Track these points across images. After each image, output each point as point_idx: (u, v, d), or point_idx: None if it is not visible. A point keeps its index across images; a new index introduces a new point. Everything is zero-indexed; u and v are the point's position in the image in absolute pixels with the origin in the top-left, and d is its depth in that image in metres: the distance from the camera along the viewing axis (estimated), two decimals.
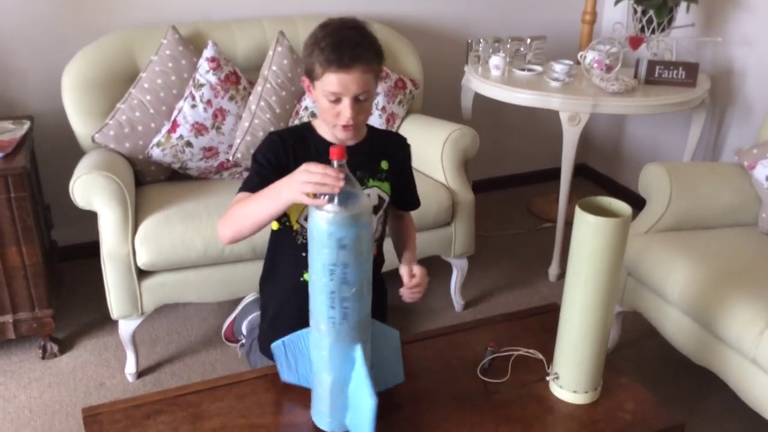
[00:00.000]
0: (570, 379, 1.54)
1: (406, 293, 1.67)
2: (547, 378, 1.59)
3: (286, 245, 1.72)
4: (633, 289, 2.26)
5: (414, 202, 1.89)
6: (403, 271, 1.67)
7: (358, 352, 1.36)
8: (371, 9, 3.09)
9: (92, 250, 2.81)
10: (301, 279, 1.70)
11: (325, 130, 1.67)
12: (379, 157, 1.73)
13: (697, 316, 1.99)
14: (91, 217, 2.23)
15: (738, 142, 2.96)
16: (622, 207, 1.46)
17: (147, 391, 2.20)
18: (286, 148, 1.64)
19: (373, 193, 1.72)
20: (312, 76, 1.57)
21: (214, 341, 2.51)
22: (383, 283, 1.88)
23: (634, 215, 2.31)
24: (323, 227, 1.26)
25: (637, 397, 1.59)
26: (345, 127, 1.58)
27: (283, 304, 1.77)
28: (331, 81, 1.52)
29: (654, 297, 2.18)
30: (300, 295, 1.63)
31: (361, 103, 1.57)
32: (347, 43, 1.51)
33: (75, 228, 2.83)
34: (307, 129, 1.70)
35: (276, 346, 1.51)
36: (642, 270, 2.18)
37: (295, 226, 1.69)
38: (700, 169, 2.46)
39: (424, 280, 1.68)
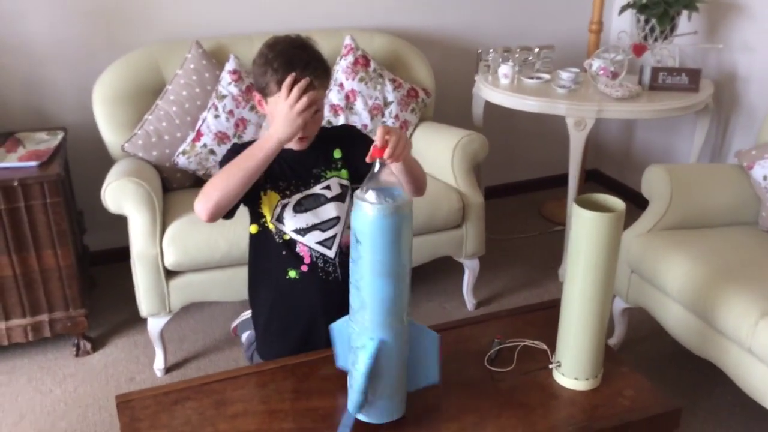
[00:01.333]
0: (571, 367, 1.64)
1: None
2: (550, 366, 1.69)
3: (268, 246, 1.78)
4: (637, 285, 2.35)
5: (366, 138, 1.84)
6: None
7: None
8: (385, 22, 3.21)
9: (121, 255, 2.95)
10: (287, 277, 1.77)
11: None
12: (330, 148, 1.79)
13: (696, 309, 2.08)
14: (120, 224, 2.35)
15: (742, 145, 3.04)
16: (617, 203, 1.56)
17: None
18: (241, 149, 1.68)
19: (333, 184, 1.78)
20: (265, 93, 1.66)
21: (238, 339, 2.63)
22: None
23: (639, 215, 2.41)
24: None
25: (635, 385, 1.67)
26: (301, 139, 1.68)
27: (272, 304, 1.84)
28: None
29: (656, 293, 2.27)
30: (288, 292, 1.76)
31: (314, 116, 1.65)
32: (298, 63, 1.60)
33: (105, 234, 2.97)
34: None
35: (331, 328, 1.59)
36: (645, 267, 2.27)
37: (271, 227, 1.76)
38: (700, 170, 2.55)
39: (397, 139, 1.47)
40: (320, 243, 1.78)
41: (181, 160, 2.58)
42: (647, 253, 2.27)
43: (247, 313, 2.14)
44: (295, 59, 1.61)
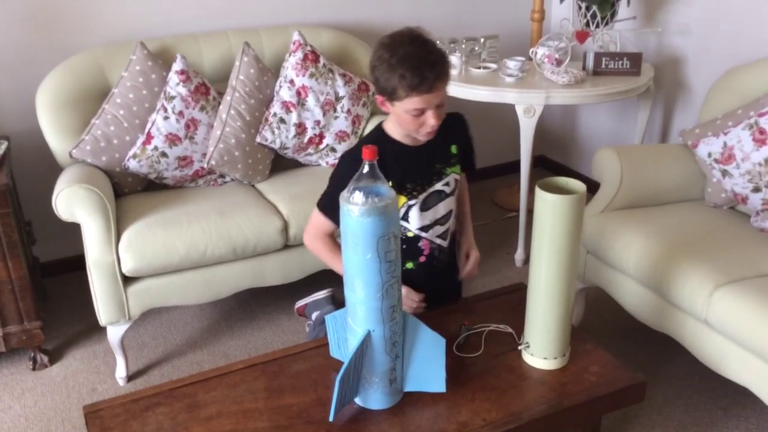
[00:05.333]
0: (540, 347, 1.68)
1: (463, 274, 1.96)
2: (519, 347, 1.72)
3: None
4: (592, 265, 2.41)
5: (474, 168, 2.00)
6: (462, 254, 1.97)
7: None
8: (331, 17, 3.21)
9: (72, 264, 2.91)
10: (404, 268, 1.86)
11: (397, 133, 1.79)
12: (448, 144, 1.87)
13: (652, 285, 2.15)
14: (69, 233, 2.30)
15: (682, 124, 3.14)
16: (578, 185, 1.60)
17: None
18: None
19: (451, 180, 1.88)
20: (392, 97, 1.67)
21: (200, 342, 2.60)
22: (458, 273, 2.02)
23: (590, 198, 2.47)
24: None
25: (601, 361, 1.73)
26: (429, 132, 1.72)
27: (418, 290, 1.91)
28: (415, 102, 1.64)
29: (612, 271, 2.33)
30: (404, 280, 1.79)
31: (440, 108, 1.70)
32: (426, 66, 1.61)
33: (55, 244, 2.90)
34: (381, 136, 1.81)
35: (327, 319, 1.66)
36: (599, 247, 2.33)
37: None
38: (647, 150, 2.63)
39: (475, 268, 1.97)
40: (439, 236, 1.89)
41: (132, 164, 2.53)
42: (601, 233, 2.33)
43: (319, 294, 2.35)
44: (422, 64, 1.61)
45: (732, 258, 2.08)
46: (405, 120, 1.70)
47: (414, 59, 1.61)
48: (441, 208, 1.86)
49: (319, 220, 1.84)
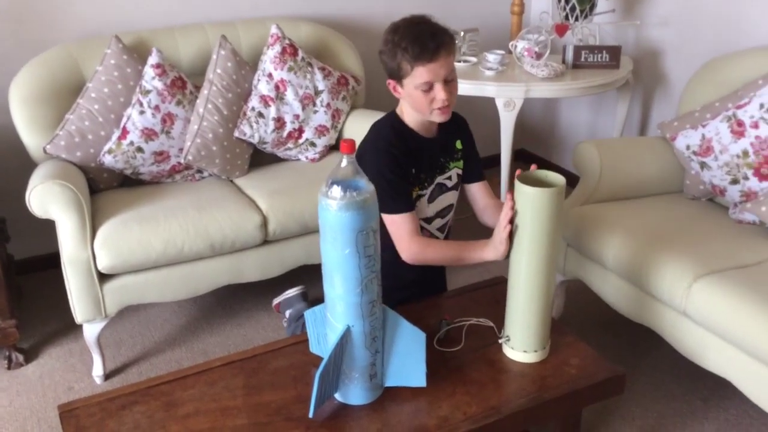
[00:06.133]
0: (520, 340, 1.67)
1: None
2: (500, 341, 1.72)
3: None
4: (573, 258, 2.41)
5: (481, 172, 1.99)
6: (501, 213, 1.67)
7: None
8: (310, 10, 3.18)
9: (46, 262, 2.87)
10: (401, 261, 1.82)
11: (411, 119, 1.80)
12: (453, 139, 1.89)
13: (632, 277, 2.15)
14: (44, 231, 2.26)
15: (661, 117, 3.15)
16: (557, 178, 1.60)
17: None
18: (399, 155, 1.76)
19: (453, 174, 1.90)
20: (399, 76, 1.71)
21: (178, 340, 2.58)
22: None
23: (570, 191, 2.47)
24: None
25: (581, 354, 1.73)
26: (441, 109, 1.72)
27: (408, 284, 1.90)
28: (421, 73, 1.66)
29: (592, 264, 2.33)
30: (402, 273, 1.84)
31: (450, 84, 1.71)
32: (426, 36, 1.65)
33: (29, 242, 2.85)
34: (400, 126, 1.82)
35: (307, 314, 1.64)
36: (579, 240, 2.33)
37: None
38: (626, 143, 2.63)
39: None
40: (438, 229, 1.92)
41: (107, 160, 2.49)
42: (581, 226, 2.33)
43: (290, 292, 2.33)
44: (421, 34, 1.66)
45: (710, 250, 2.09)
46: (417, 100, 1.72)
47: (415, 33, 1.67)
48: (443, 201, 1.90)
49: (404, 223, 1.77)
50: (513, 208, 1.58)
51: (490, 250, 1.67)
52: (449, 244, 1.83)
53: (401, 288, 1.89)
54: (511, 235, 1.61)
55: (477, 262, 1.74)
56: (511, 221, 1.59)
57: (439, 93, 1.69)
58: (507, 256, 1.64)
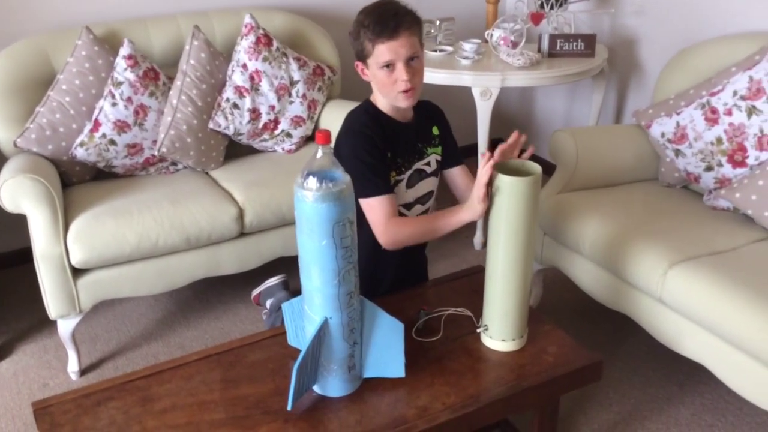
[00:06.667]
0: (499, 329, 1.67)
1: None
2: (478, 330, 1.72)
3: None
4: (549, 247, 2.42)
5: (459, 157, 1.97)
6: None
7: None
8: (282, 0, 3.15)
9: (19, 258, 2.83)
10: (381, 249, 1.81)
11: (384, 105, 1.80)
12: (429, 124, 1.89)
13: (608, 265, 2.17)
14: (16, 225, 2.22)
15: (636, 105, 3.17)
16: (534, 167, 1.60)
17: None
18: (374, 137, 1.75)
19: (432, 160, 1.89)
20: (363, 56, 1.73)
21: (154, 334, 2.55)
22: (425, 247, 2.05)
23: (547, 180, 2.48)
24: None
25: (558, 342, 1.73)
26: (405, 92, 1.72)
27: (362, 276, 1.85)
28: (382, 51, 1.68)
29: (569, 252, 2.34)
30: (383, 260, 1.84)
31: (414, 66, 1.71)
32: (388, 16, 1.67)
33: (1, 237, 2.81)
34: (375, 111, 1.82)
35: (284, 307, 1.63)
36: (556, 228, 2.34)
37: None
38: (602, 131, 2.64)
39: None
40: (419, 216, 1.89)
41: (80, 153, 2.45)
42: (558, 214, 2.34)
43: (271, 281, 2.33)
44: (384, 13, 1.68)
45: (686, 236, 2.11)
46: (381, 81, 1.73)
47: (379, 12, 1.69)
48: (422, 187, 1.89)
49: (382, 206, 1.74)
50: (492, 167, 1.56)
51: (466, 212, 1.66)
52: (423, 218, 1.85)
53: (383, 279, 1.90)
54: (490, 196, 1.59)
55: (455, 227, 1.72)
56: (490, 183, 1.57)
57: (401, 73, 1.69)
58: (486, 215, 1.62)
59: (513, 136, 1.68)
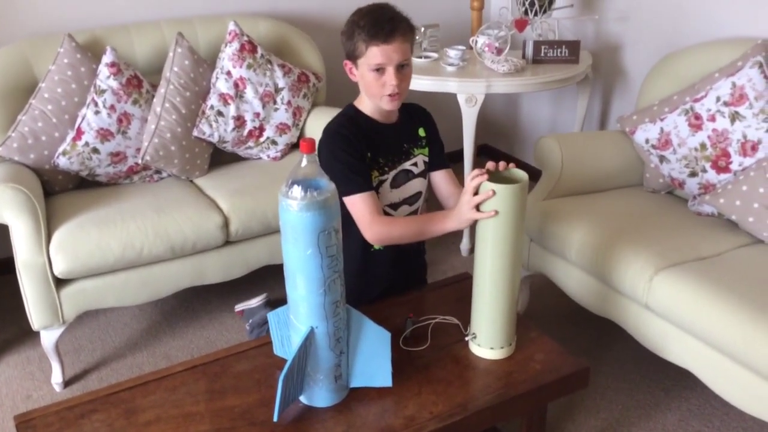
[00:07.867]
0: (487, 337, 1.66)
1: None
2: (466, 338, 1.71)
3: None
4: (536, 253, 2.43)
5: (444, 160, 1.97)
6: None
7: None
8: (268, 6, 3.13)
9: (2, 267, 2.78)
10: (372, 249, 1.86)
11: (368, 107, 1.81)
12: (416, 126, 1.90)
13: (594, 271, 2.17)
14: None
15: (620, 111, 3.18)
16: (521, 174, 1.59)
17: None
18: (350, 136, 1.76)
19: (419, 161, 1.89)
20: (354, 56, 1.73)
21: (139, 344, 2.52)
22: (424, 253, 2.05)
23: (532, 186, 2.48)
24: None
25: (546, 349, 1.73)
26: (392, 96, 1.73)
27: (357, 275, 1.85)
28: (374, 54, 1.68)
29: (555, 258, 2.34)
30: (371, 262, 1.85)
31: (403, 72, 1.72)
32: (384, 20, 1.68)
33: None
34: (355, 113, 1.83)
35: (270, 316, 1.62)
36: (542, 234, 2.34)
37: None
38: (587, 138, 2.66)
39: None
40: (407, 216, 1.89)
41: (62, 161, 2.43)
42: (544, 221, 2.34)
43: (254, 301, 2.41)
44: (381, 16, 1.69)
45: (671, 242, 2.12)
46: (369, 82, 1.73)
47: (375, 15, 1.70)
48: (409, 188, 1.89)
49: (364, 203, 1.75)
50: (482, 175, 1.56)
51: (452, 220, 1.67)
52: (412, 219, 1.84)
53: (377, 279, 1.91)
54: (477, 206, 1.57)
55: (440, 233, 1.74)
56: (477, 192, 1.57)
57: (390, 77, 1.70)
58: (473, 225, 1.61)
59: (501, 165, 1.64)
